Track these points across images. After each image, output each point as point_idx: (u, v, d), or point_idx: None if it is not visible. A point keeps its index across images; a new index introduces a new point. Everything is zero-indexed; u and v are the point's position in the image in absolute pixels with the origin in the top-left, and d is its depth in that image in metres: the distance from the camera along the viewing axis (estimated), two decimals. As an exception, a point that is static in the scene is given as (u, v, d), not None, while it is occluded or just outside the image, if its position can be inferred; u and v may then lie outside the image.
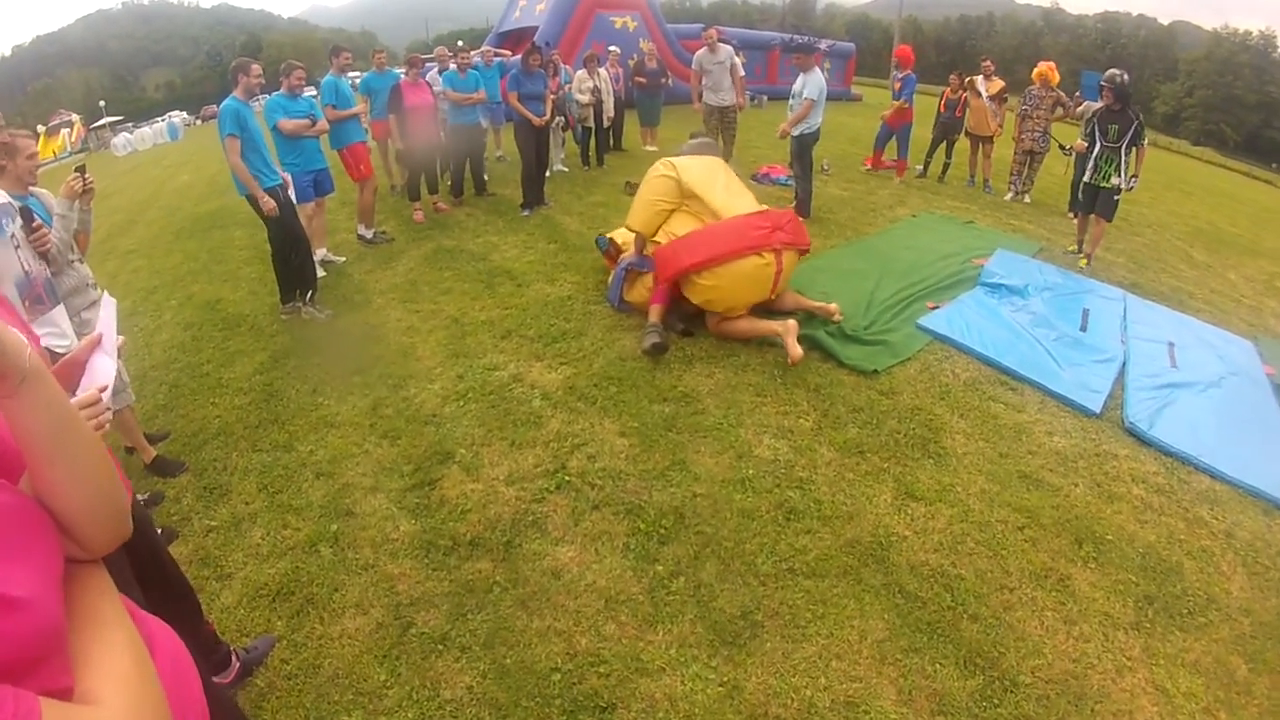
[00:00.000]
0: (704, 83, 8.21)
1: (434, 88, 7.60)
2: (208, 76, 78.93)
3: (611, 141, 11.20)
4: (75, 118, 39.99)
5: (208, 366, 4.70)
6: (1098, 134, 6.52)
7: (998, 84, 9.51)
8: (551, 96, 7.96)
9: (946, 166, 10.27)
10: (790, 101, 7.40)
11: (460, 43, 8.92)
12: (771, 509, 3.18)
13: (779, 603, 2.68)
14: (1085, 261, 6.76)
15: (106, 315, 1.27)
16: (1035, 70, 8.81)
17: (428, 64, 8.59)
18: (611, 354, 4.54)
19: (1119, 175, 6.40)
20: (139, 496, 3.28)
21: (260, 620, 2.64)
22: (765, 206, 4.75)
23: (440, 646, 2.50)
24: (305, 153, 5.75)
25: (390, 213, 7.99)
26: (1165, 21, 79.62)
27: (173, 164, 17.32)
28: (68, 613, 0.79)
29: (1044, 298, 5.56)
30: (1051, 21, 77.14)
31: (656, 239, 4.85)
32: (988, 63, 9.84)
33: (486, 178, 8.71)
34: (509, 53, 10.75)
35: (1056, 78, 8.72)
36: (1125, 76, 6.44)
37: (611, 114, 10.46)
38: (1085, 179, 6.69)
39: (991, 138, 9.63)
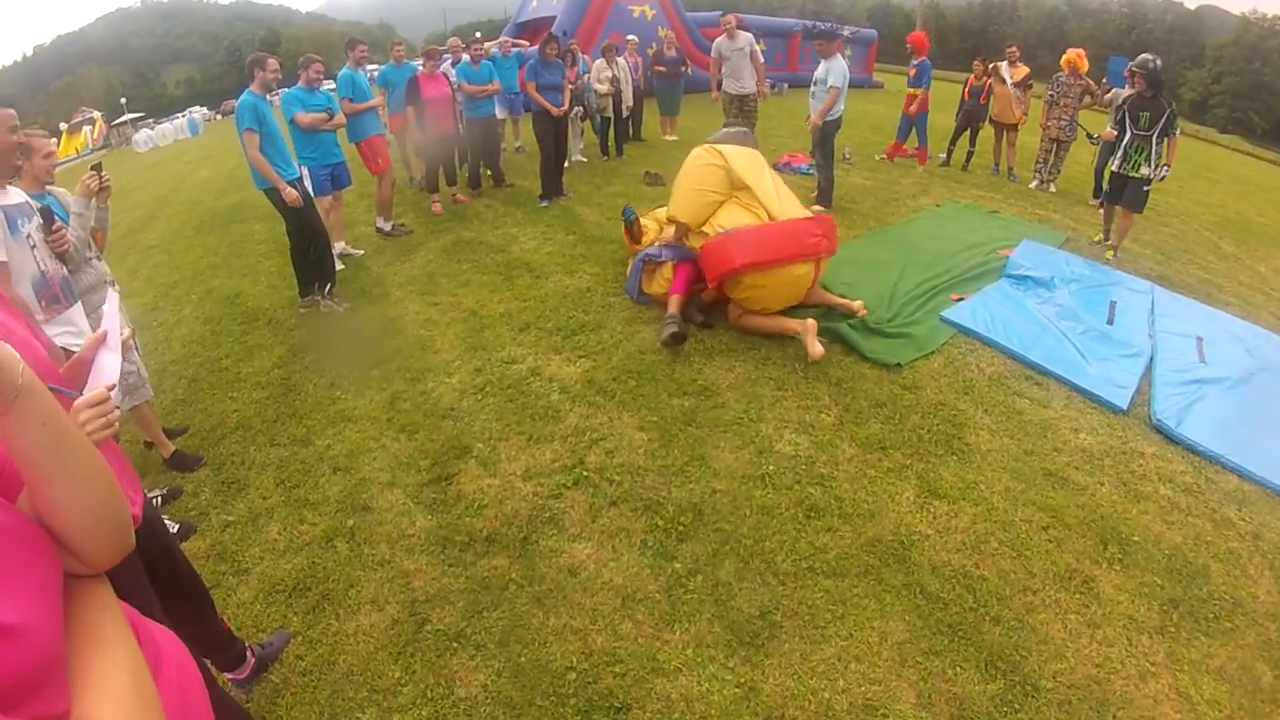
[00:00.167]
0: (723, 70, 8.07)
1: (450, 79, 7.58)
2: (227, 72, 79.45)
3: (630, 131, 11.15)
4: (97, 115, 40.57)
5: (227, 361, 4.72)
6: (1128, 122, 6.33)
7: (1022, 70, 9.32)
8: (570, 86, 7.91)
9: (970, 155, 10.10)
10: (812, 89, 7.30)
11: (478, 34, 8.90)
12: (792, 506, 3.14)
13: (798, 603, 2.64)
14: (1112, 253, 6.61)
15: (110, 310, 1.27)
16: (1064, 57, 8.61)
17: (444, 55, 8.57)
18: (631, 347, 4.51)
19: (1149, 165, 6.21)
20: (156, 493, 3.30)
21: (276, 616, 2.65)
22: (811, 211, 4.61)
23: (455, 644, 2.49)
24: (322, 146, 5.76)
25: (409, 205, 8.00)
26: (1192, 6, 78.05)
27: (193, 159, 17.48)
28: (67, 630, 0.77)
29: (1070, 290, 5.45)
30: (1076, 6, 75.69)
31: (704, 230, 4.70)
32: (1013, 49, 9.63)
33: (504, 169, 8.68)
34: (527, 43, 10.70)
35: (1086, 65, 8.52)
36: (1158, 61, 6.23)
37: (630, 104, 10.41)
38: (1114, 168, 6.53)
39: (1016, 125, 9.45)
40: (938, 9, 75.88)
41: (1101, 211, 7.25)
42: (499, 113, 8.80)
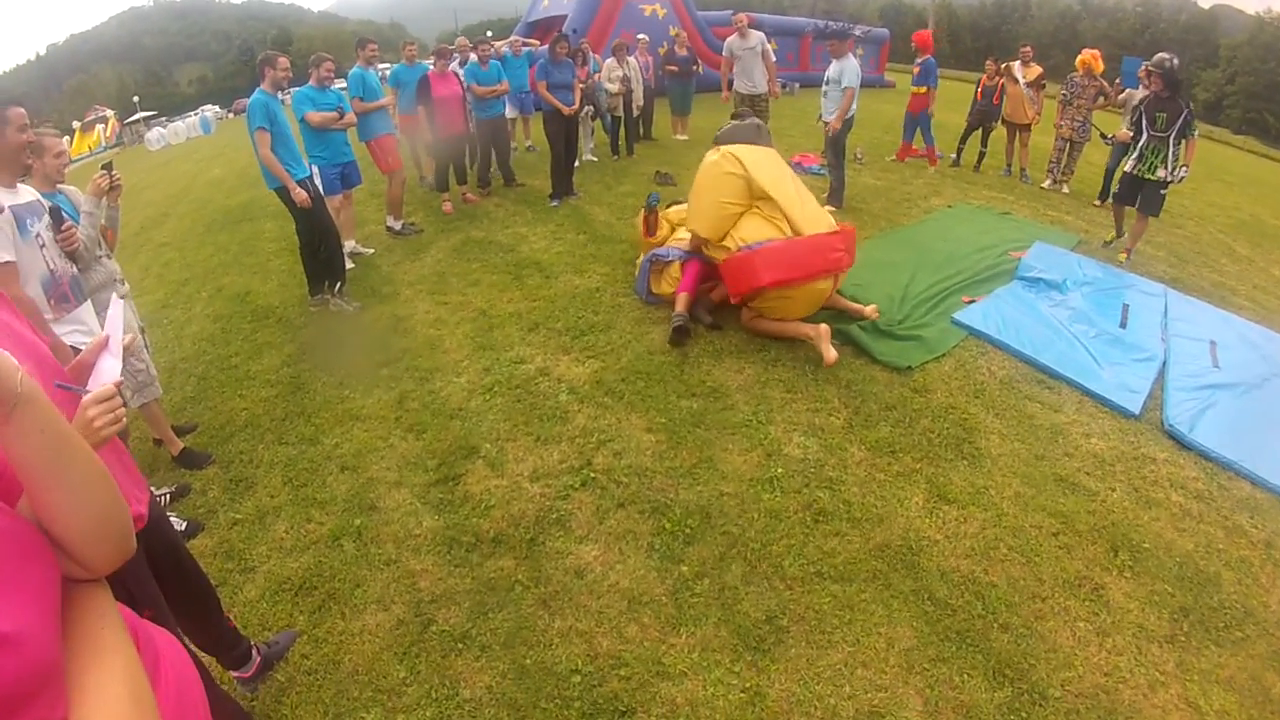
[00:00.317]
0: (734, 69, 8.04)
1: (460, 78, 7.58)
2: (239, 71, 80.00)
3: (641, 131, 11.13)
4: (110, 113, 40.90)
5: (236, 359, 4.74)
6: (1144, 123, 6.25)
7: (1035, 70, 9.23)
8: (580, 85, 7.91)
9: (982, 155, 10.03)
10: (824, 88, 7.27)
11: (489, 33, 8.90)
12: (800, 510, 3.12)
13: (805, 607, 2.63)
14: (1125, 256, 6.54)
15: (114, 315, 1.28)
16: (1079, 58, 8.54)
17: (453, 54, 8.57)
18: (640, 347, 4.50)
19: (1165, 167, 6.12)
20: (164, 490, 3.32)
21: (283, 615, 2.65)
22: (837, 225, 4.49)
23: (460, 645, 2.49)
24: (332, 145, 5.76)
25: (419, 204, 8.01)
26: (1206, 5, 77.24)
27: (205, 158, 17.57)
28: (65, 637, 0.77)
29: (1083, 293, 5.40)
30: (1089, 5, 74.99)
31: (724, 244, 4.54)
32: (1026, 48, 9.55)
33: (514, 168, 8.68)
34: (537, 42, 10.70)
35: (1101, 66, 8.45)
36: (1175, 61, 6.13)
37: (641, 103, 10.39)
38: (1128, 170, 6.46)
39: (1029, 125, 9.37)
40: (950, 8, 75.51)
41: (1112, 212, 7.17)
42: (509, 112, 8.81)
